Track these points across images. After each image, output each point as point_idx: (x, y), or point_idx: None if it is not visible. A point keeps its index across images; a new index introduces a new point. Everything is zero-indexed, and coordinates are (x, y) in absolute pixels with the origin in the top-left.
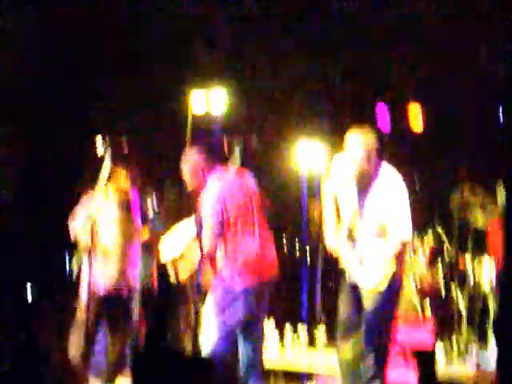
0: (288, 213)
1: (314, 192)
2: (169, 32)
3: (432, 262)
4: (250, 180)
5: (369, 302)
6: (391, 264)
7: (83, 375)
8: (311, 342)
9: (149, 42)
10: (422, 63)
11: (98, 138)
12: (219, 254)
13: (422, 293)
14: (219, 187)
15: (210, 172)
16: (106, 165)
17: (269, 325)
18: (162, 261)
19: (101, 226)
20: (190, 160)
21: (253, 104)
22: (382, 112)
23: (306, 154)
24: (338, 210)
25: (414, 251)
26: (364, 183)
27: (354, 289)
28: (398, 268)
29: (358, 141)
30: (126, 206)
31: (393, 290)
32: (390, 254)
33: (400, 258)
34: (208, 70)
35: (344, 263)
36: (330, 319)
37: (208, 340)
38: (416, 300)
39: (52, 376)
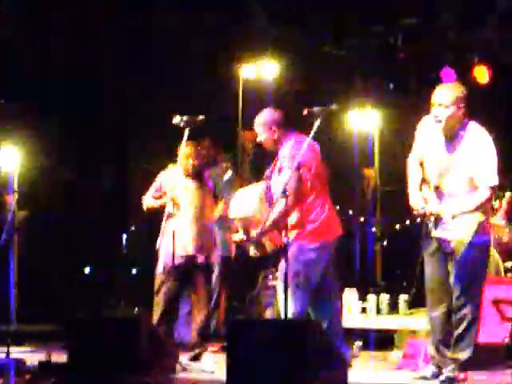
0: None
1: (367, 158)
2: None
3: (510, 222)
4: (318, 149)
5: (460, 254)
6: (480, 214)
7: (168, 346)
8: (394, 308)
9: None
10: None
11: (176, 117)
12: (295, 215)
13: (503, 252)
14: (300, 152)
15: (283, 132)
16: (184, 141)
17: (351, 294)
18: (232, 217)
19: (177, 195)
20: (264, 115)
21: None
22: (448, 75)
23: (359, 121)
24: (423, 169)
25: (493, 211)
26: (452, 138)
27: (441, 243)
28: (486, 217)
29: (448, 94)
30: (199, 177)
31: (484, 240)
32: (479, 200)
33: (487, 206)
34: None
35: (430, 219)
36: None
37: (290, 301)
38: (497, 260)
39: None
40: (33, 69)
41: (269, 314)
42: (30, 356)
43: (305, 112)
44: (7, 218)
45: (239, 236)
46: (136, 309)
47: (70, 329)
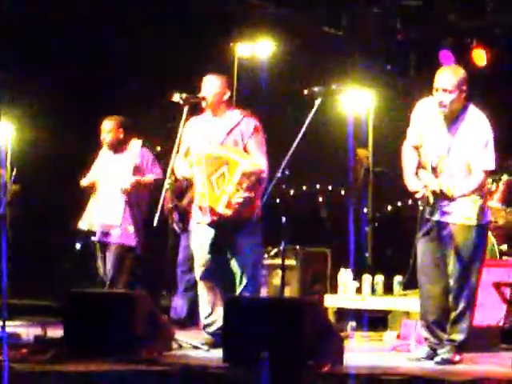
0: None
1: (361, 139)
2: None
3: (507, 205)
4: None
5: (461, 238)
6: (479, 197)
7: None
8: (388, 289)
9: None
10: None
11: (175, 94)
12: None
13: (498, 235)
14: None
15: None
16: (183, 119)
17: (346, 274)
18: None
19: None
20: (224, 76)
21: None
22: (446, 57)
23: (354, 101)
24: (419, 153)
25: (490, 194)
26: (452, 120)
27: (440, 226)
28: (484, 200)
29: (451, 79)
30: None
31: (484, 223)
32: (474, 183)
33: (485, 189)
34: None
35: (430, 200)
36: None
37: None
38: (492, 242)
39: None
40: (31, 41)
41: (262, 292)
42: (25, 330)
43: (305, 91)
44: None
45: None
46: None
47: (67, 302)
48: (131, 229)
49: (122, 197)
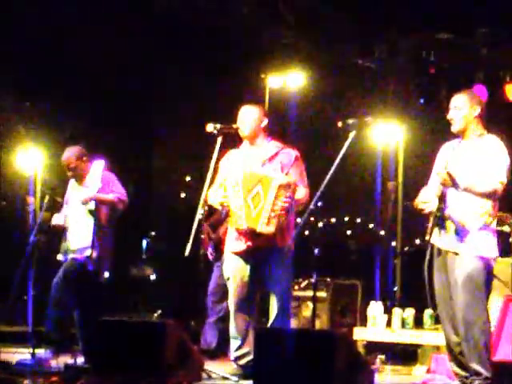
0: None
1: (390, 172)
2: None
3: None
4: None
5: (463, 268)
6: (487, 231)
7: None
8: (419, 323)
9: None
10: None
11: (210, 125)
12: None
13: None
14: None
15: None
16: (217, 149)
17: (376, 307)
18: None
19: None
20: (260, 110)
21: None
22: (481, 92)
23: (383, 135)
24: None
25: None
26: (469, 143)
27: (443, 255)
28: (491, 233)
29: (461, 97)
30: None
31: (489, 256)
32: (487, 187)
33: (492, 216)
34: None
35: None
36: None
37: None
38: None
39: None
40: (58, 70)
41: (293, 323)
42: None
43: (339, 124)
44: (28, 218)
45: None
46: (155, 314)
47: (96, 330)
48: (95, 254)
49: (90, 220)
